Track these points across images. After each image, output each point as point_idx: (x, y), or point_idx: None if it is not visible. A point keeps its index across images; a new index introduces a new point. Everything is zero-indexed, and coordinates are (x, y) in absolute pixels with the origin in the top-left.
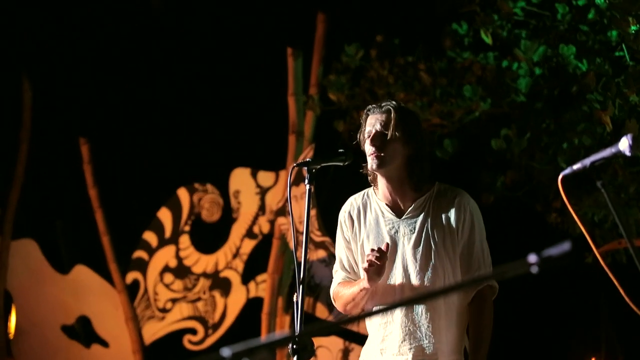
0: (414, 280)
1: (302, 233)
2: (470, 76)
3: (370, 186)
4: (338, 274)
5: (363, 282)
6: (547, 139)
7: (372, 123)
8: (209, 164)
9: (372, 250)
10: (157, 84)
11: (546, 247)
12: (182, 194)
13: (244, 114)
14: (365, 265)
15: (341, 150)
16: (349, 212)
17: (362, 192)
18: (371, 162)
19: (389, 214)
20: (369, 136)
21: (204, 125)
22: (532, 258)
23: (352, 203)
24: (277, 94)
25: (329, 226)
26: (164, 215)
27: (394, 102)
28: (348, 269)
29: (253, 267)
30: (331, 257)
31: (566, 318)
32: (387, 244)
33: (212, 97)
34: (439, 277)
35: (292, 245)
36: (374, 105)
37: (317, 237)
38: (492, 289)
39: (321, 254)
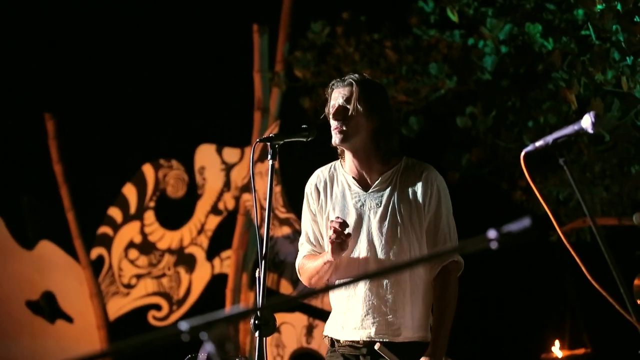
0: (380, 253)
1: (266, 209)
2: (436, 54)
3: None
4: (303, 247)
5: (327, 254)
6: (512, 117)
7: (336, 97)
8: (175, 140)
9: (337, 217)
10: (123, 60)
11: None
12: (147, 170)
13: (210, 90)
14: (331, 233)
15: (304, 126)
16: (315, 185)
17: (329, 165)
18: (334, 137)
19: (355, 187)
20: (332, 111)
21: (169, 101)
22: (492, 233)
23: (319, 175)
24: (243, 71)
25: (294, 203)
26: (129, 191)
27: (357, 75)
28: (314, 242)
29: (218, 244)
30: (296, 234)
31: (531, 299)
32: (345, 222)
33: (177, 74)
34: (405, 251)
35: (256, 221)
36: (338, 80)
37: (282, 213)
38: (457, 264)
39: (286, 230)
